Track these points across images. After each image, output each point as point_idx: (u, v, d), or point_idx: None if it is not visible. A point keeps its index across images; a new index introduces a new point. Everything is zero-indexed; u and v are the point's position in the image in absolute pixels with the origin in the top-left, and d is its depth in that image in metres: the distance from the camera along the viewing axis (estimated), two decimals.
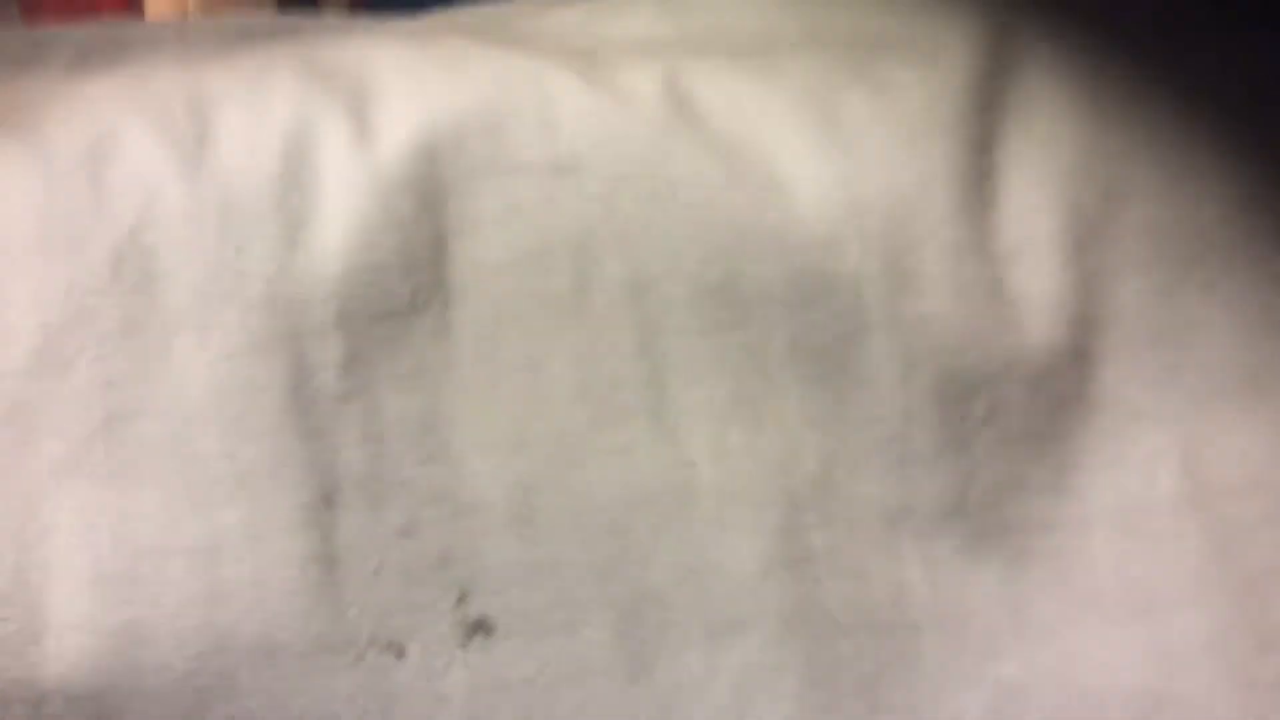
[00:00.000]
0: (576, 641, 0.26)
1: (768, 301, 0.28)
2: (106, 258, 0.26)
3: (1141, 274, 0.29)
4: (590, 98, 0.29)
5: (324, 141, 0.28)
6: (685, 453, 0.27)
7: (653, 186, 0.28)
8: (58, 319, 0.26)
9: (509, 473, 0.27)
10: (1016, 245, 0.28)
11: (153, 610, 0.25)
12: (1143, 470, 0.28)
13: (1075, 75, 0.30)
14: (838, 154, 0.28)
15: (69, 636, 0.24)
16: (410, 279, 0.27)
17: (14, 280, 0.26)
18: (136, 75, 0.30)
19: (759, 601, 0.27)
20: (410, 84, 0.29)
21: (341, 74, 0.30)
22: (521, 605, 0.26)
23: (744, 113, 0.29)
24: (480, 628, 0.26)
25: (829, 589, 0.27)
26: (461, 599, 0.26)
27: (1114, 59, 0.31)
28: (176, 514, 0.25)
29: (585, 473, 0.27)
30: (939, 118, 0.29)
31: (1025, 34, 0.31)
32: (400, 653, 0.25)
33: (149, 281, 0.26)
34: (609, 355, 0.27)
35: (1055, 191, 0.29)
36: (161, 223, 0.26)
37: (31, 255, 0.26)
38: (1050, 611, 0.27)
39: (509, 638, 0.26)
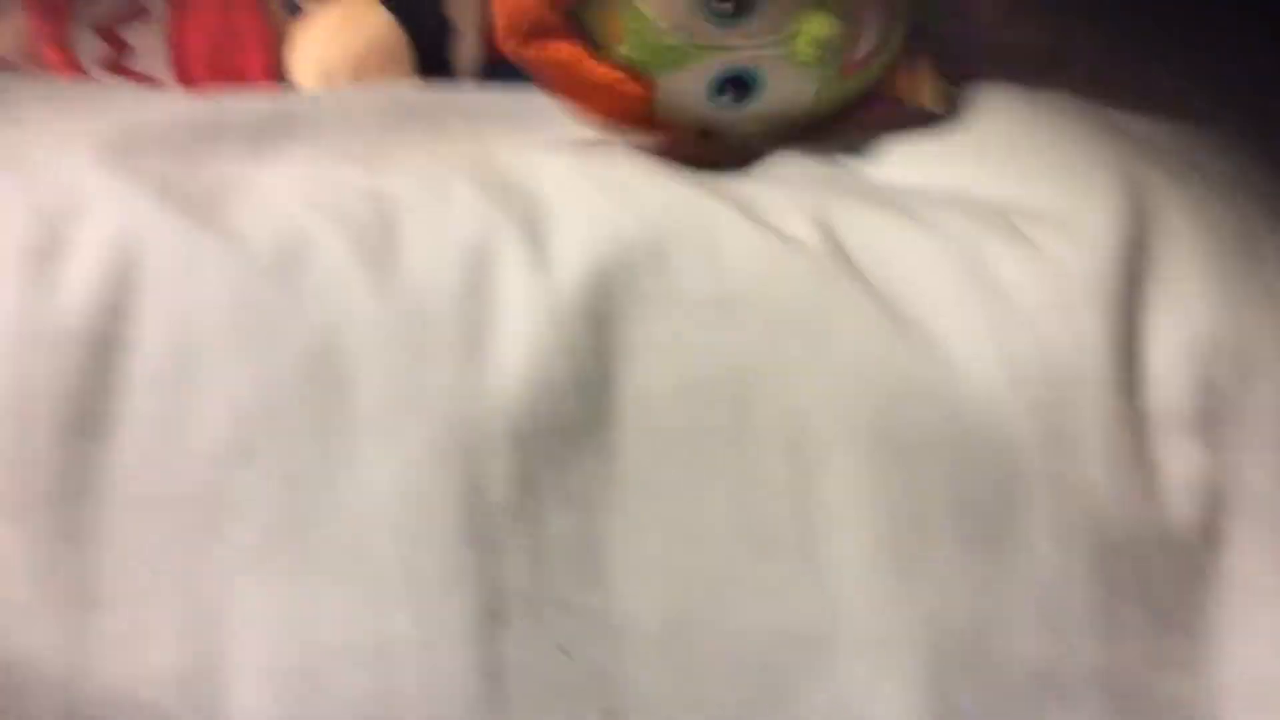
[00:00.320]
0: None
1: (929, 453, 0.27)
2: (298, 358, 0.26)
3: (1270, 454, 0.29)
4: (754, 236, 0.29)
5: (503, 262, 0.28)
6: (837, 593, 0.27)
7: (813, 328, 0.28)
8: (248, 412, 0.26)
9: (662, 601, 0.27)
10: (1160, 418, 0.29)
11: (328, 709, 0.25)
12: (1273, 647, 0.28)
13: (1209, 247, 0.31)
14: (994, 313, 0.29)
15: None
16: (581, 401, 0.27)
17: (208, 369, 0.26)
18: (315, 166, 0.32)
19: None
20: (583, 209, 0.30)
21: (516, 191, 0.30)
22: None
23: (898, 264, 0.29)
24: None
25: None
26: (609, 713, 0.26)
27: (1245, 233, 0.31)
28: (353, 615, 0.26)
29: (737, 609, 0.27)
30: (1089, 284, 0.29)
31: (1164, 206, 0.31)
32: None
33: (338, 385, 0.26)
34: (764, 491, 0.27)
35: (1194, 365, 0.29)
36: (353, 329, 0.27)
37: (226, 347, 0.26)
38: None
39: None
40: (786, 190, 0.32)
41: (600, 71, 0.34)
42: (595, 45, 0.34)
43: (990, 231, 0.30)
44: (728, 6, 0.34)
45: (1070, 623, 0.27)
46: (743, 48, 0.35)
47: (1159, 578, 0.28)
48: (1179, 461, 0.28)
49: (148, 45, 0.55)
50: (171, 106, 0.39)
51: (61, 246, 0.27)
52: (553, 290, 0.28)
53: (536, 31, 0.35)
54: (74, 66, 0.56)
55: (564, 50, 0.35)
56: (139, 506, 0.26)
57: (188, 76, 0.57)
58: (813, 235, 0.30)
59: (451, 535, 0.26)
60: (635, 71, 0.35)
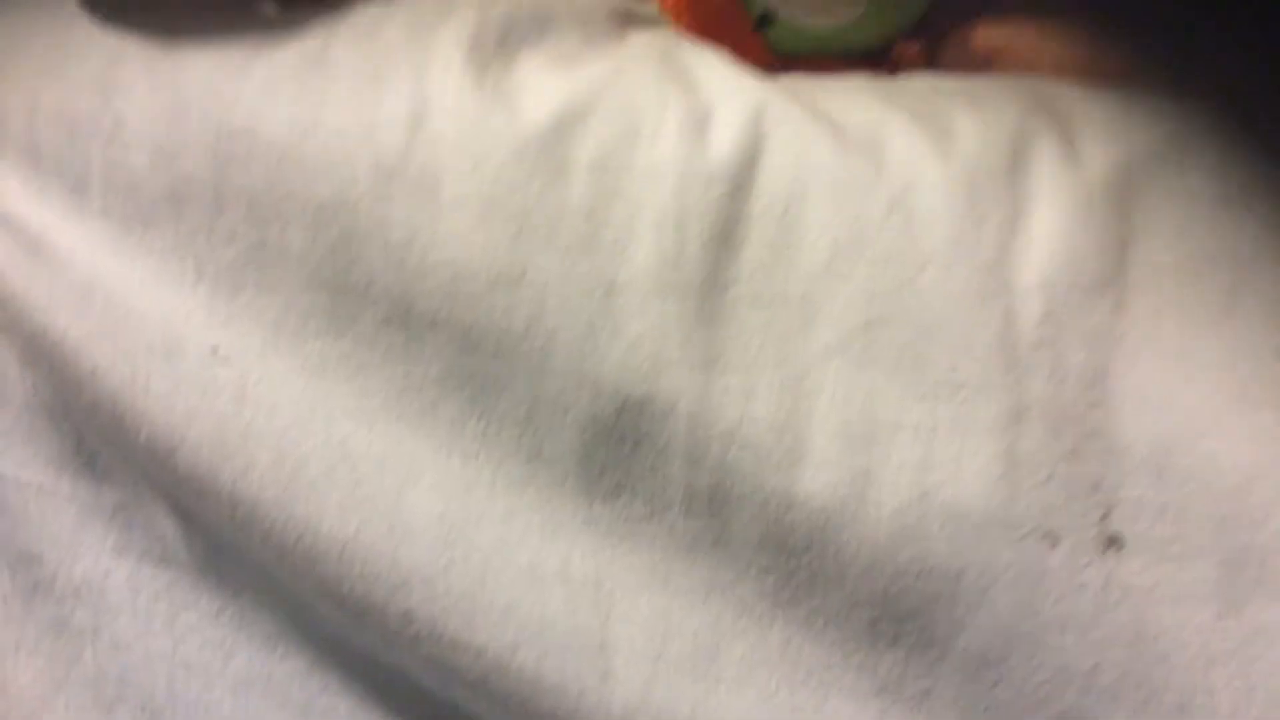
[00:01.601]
0: (1186, 573, 0.32)
1: None
2: (883, 203, 0.35)
3: None
4: (1261, 143, 0.35)
5: (1041, 150, 0.36)
6: None
7: None
8: (842, 241, 0.35)
9: (1154, 428, 0.33)
10: None
11: (881, 464, 0.33)
12: None
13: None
14: None
15: (821, 469, 0.34)
16: (1100, 263, 0.34)
17: (812, 210, 0.35)
18: (879, 80, 0.40)
19: None
20: (1105, 111, 0.37)
21: (1044, 99, 0.38)
22: (1149, 534, 0.33)
23: None
24: (1115, 542, 0.33)
25: None
26: (1104, 517, 0.33)
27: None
28: (907, 400, 0.34)
29: (1213, 443, 0.33)
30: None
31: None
32: (1054, 543, 0.33)
33: (910, 225, 0.35)
34: (1250, 353, 0.33)
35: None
36: (924, 189, 0.35)
37: (825, 195, 0.35)
38: None
39: (1135, 555, 0.33)
40: None
41: None
42: None
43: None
44: None
45: None
46: None
47: None
48: None
49: None
50: None
51: (710, 114, 0.36)
52: (1082, 178, 0.35)
53: None
54: None
55: None
56: (754, 303, 0.35)
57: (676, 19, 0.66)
58: None
59: (989, 354, 0.33)
60: None
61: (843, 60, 0.45)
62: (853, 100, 0.38)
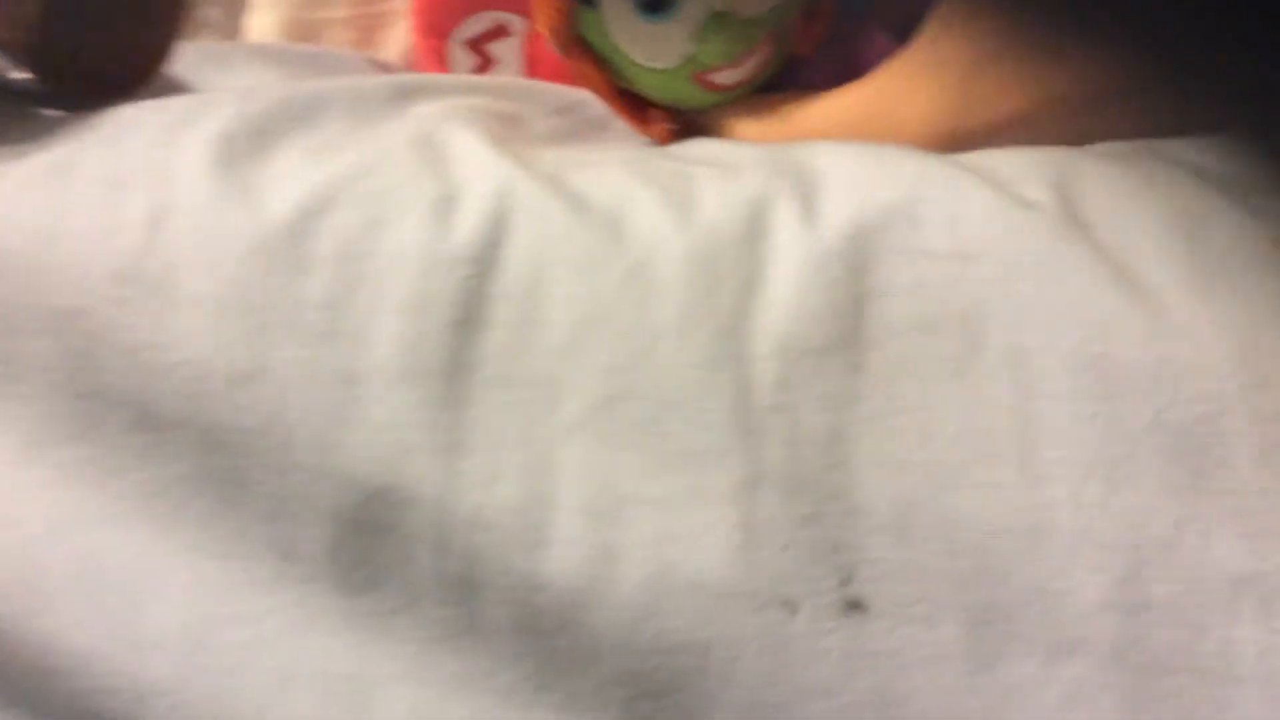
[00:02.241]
0: (933, 634, 0.32)
1: (1135, 379, 0.32)
2: (620, 277, 0.35)
3: None
4: (993, 200, 0.35)
5: (779, 215, 0.35)
6: (1046, 498, 0.32)
7: (1042, 274, 0.33)
8: (580, 316, 0.34)
9: (893, 488, 0.33)
10: None
11: (624, 540, 0.33)
12: None
13: None
14: (1206, 265, 0.33)
15: (567, 549, 0.33)
16: (835, 325, 0.34)
17: (551, 285, 0.35)
18: (636, 152, 0.41)
19: (1095, 631, 0.31)
20: (849, 174, 0.37)
21: (793, 163, 0.38)
22: (892, 595, 0.32)
23: (1123, 220, 0.34)
24: (857, 606, 0.32)
25: (1161, 633, 0.31)
26: (845, 581, 0.32)
27: None
28: (646, 474, 0.33)
29: (957, 498, 0.32)
30: None
31: None
32: (794, 610, 0.32)
33: (647, 298, 0.34)
34: (988, 408, 0.33)
35: None
36: (662, 260, 0.35)
37: (566, 270, 0.35)
38: None
39: (879, 618, 0.32)
40: (1029, 156, 0.37)
41: None
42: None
43: (1204, 190, 0.34)
44: None
45: (1271, 536, 0.31)
46: None
47: None
48: None
49: (508, 58, 0.67)
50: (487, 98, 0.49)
51: (456, 195, 0.36)
52: (818, 239, 0.35)
53: None
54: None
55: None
56: (498, 384, 0.34)
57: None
58: (1048, 195, 0.35)
59: (724, 422, 0.33)
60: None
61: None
62: (603, 175, 0.38)
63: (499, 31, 0.67)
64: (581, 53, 0.47)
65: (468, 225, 0.35)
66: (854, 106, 0.43)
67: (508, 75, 0.67)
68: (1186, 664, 0.31)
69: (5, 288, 0.35)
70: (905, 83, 0.42)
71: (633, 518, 0.33)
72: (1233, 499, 0.31)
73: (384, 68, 0.68)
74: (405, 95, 0.46)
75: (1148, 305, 0.32)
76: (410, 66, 0.74)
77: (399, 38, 0.75)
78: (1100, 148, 0.39)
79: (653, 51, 0.46)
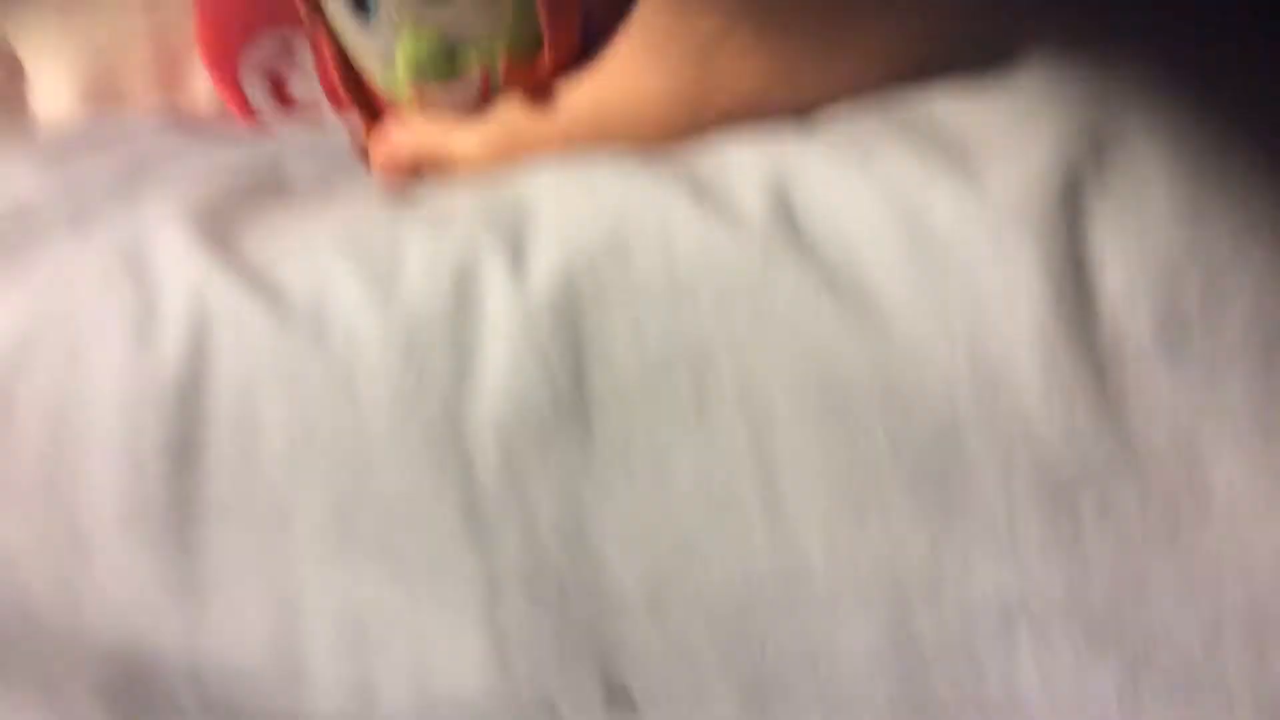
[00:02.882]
0: (706, 714, 0.30)
1: (865, 403, 0.29)
2: (325, 382, 0.32)
3: (1248, 367, 0.28)
4: (703, 222, 0.31)
5: (488, 274, 0.32)
6: (798, 543, 0.30)
7: (758, 303, 0.30)
8: (297, 431, 0.32)
9: (640, 564, 0.30)
10: (1115, 343, 0.28)
11: (380, 669, 0.31)
12: (1272, 570, 0.27)
13: (1171, 166, 0.29)
14: (926, 258, 0.29)
15: (325, 687, 0.31)
16: (552, 393, 0.31)
17: (262, 401, 0.32)
18: (351, 215, 0.37)
19: (870, 682, 0.29)
20: (557, 212, 0.33)
21: (510, 201, 0.34)
22: (658, 679, 0.30)
23: (840, 221, 0.31)
24: (622, 696, 0.30)
25: (938, 672, 0.29)
26: (605, 672, 0.30)
27: (1212, 145, 0.29)
28: (389, 592, 0.31)
29: (707, 562, 0.30)
30: (1028, 216, 0.29)
31: (1118, 126, 0.30)
32: (553, 712, 0.30)
33: (355, 401, 0.32)
34: (725, 454, 0.30)
35: (1154, 287, 0.28)
36: (364, 354, 0.32)
37: (274, 381, 0.32)
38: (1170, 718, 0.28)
39: (648, 709, 0.30)
40: (750, 147, 0.34)
41: None
42: None
43: (929, 167, 0.31)
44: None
45: (1028, 551, 0.28)
46: None
47: (1130, 507, 0.28)
48: (1142, 385, 0.28)
49: (300, 76, 0.63)
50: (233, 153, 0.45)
51: (155, 311, 0.34)
52: (526, 294, 0.32)
53: None
54: (247, 108, 0.65)
55: None
56: (226, 514, 0.32)
57: (336, 98, 0.64)
58: (763, 204, 0.31)
59: (452, 519, 0.31)
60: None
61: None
62: (297, 249, 0.35)
63: (285, 50, 0.63)
64: (326, 32, 0.43)
65: (169, 345, 0.33)
66: (588, 98, 0.39)
67: (304, 93, 0.63)
68: (971, 704, 0.29)
69: None
70: (639, 63, 0.38)
71: (383, 640, 0.31)
72: (983, 520, 0.28)
73: (184, 130, 0.65)
74: (132, 181, 0.42)
75: (868, 317, 0.29)
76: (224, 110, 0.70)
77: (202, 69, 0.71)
78: (827, 118, 0.35)
79: (363, 52, 0.42)
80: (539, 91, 0.39)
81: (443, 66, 0.40)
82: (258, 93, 0.63)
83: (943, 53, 0.35)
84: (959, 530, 0.28)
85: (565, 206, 0.33)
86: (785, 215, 0.31)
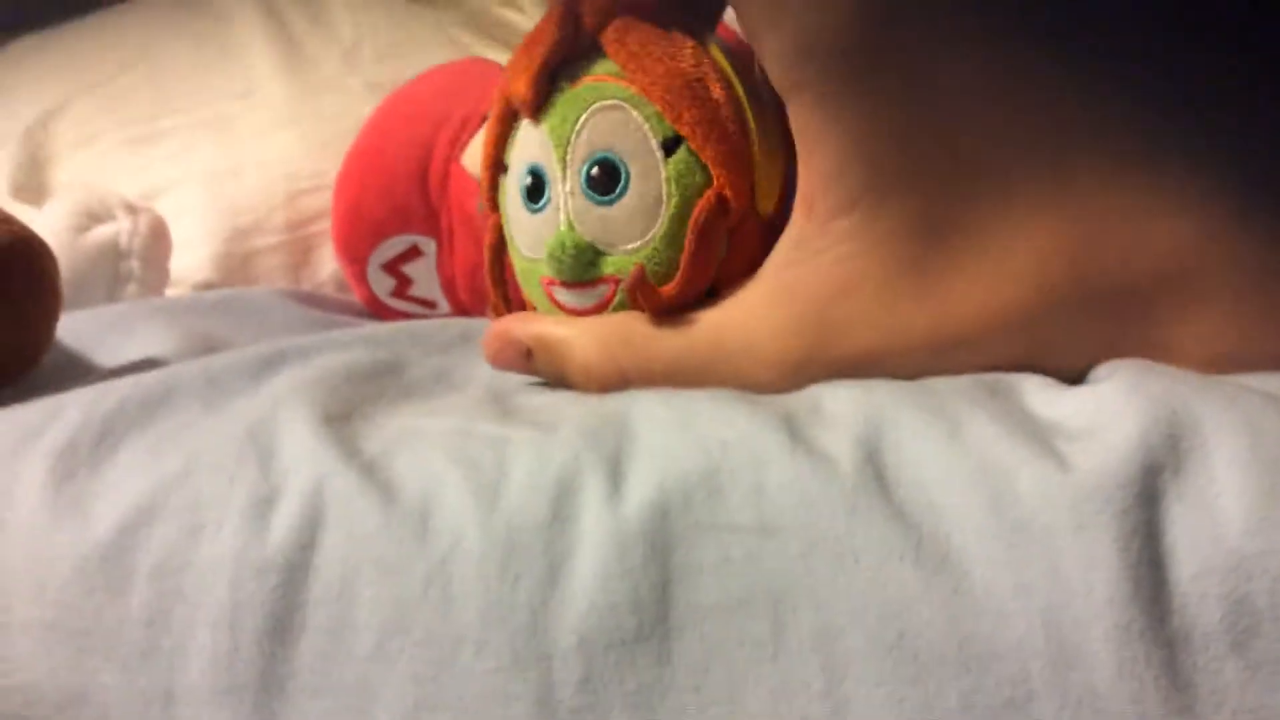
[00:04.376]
0: None
1: (940, 662, 0.30)
2: (422, 583, 0.34)
3: None
4: (795, 466, 0.34)
5: (585, 493, 0.35)
6: None
7: (841, 550, 0.32)
8: (388, 623, 0.34)
9: None
10: (1185, 628, 0.29)
11: None
12: None
13: (1247, 463, 0.31)
14: (1008, 526, 0.31)
15: None
16: (639, 614, 0.33)
17: (362, 590, 0.34)
18: (465, 415, 0.40)
19: None
20: (657, 440, 0.36)
21: (612, 424, 0.37)
22: None
23: (927, 483, 0.33)
24: None
25: None
26: None
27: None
28: None
29: None
30: (1108, 494, 0.31)
31: (1194, 422, 0.32)
32: None
33: (448, 600, 0.34)
34: (799, 693, 0.31)
35: (1222, 581, 0.30)
36: (462, 559, 0.34)
37: (371, 575, 0.34)
38: None
39: None
40: (846, 400, 0.36)
41: None
42: None
43: (1014, 441, 0.33)
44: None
45: None
46: None
47: None
48: (1210, 678, 0.29)
49: (423, 277, 0.68)
50: (361, 352, 0.49)
51: (274, 496, 0.36)
52: (620, 520, 0.34)
53: None
54: (372, 297, 0.70)
55: None
56: (313, 694, 0.34)
57: (456, 300, 0.69)
58: (854, 457, 0.34)
59: None
60: None
61: None
62: (411, 449, 0.37)
63: (412, 253, 0.69)
64: (493, 223, 0.46)
65: (281, 529, 0.35)
66: (708, 324, 0.42)
67: (425, 293, 0.68)
68: None
69: None
70: (763, 303, 0.41)
71: None
72: None
73: (305, 300, 0.70)
74: (265, 368, 0.46)
75: (948, 578, 0.31)
76: (341, 287, 0.76)
77: (332, 256, 0.77)
78: (932, 384, 0.38)
79: (522, 239, 0.45)
80: (657, 313, 0.42)
81: (579, 269, 0.43)
82: (383, 286, 0.68)
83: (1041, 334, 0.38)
84: None
85: (664, 436, 0.36)
86: (875, 471, 0.33)
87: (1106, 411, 0.33)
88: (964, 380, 0.38)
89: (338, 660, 0.34)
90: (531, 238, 0.44)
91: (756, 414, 0.36)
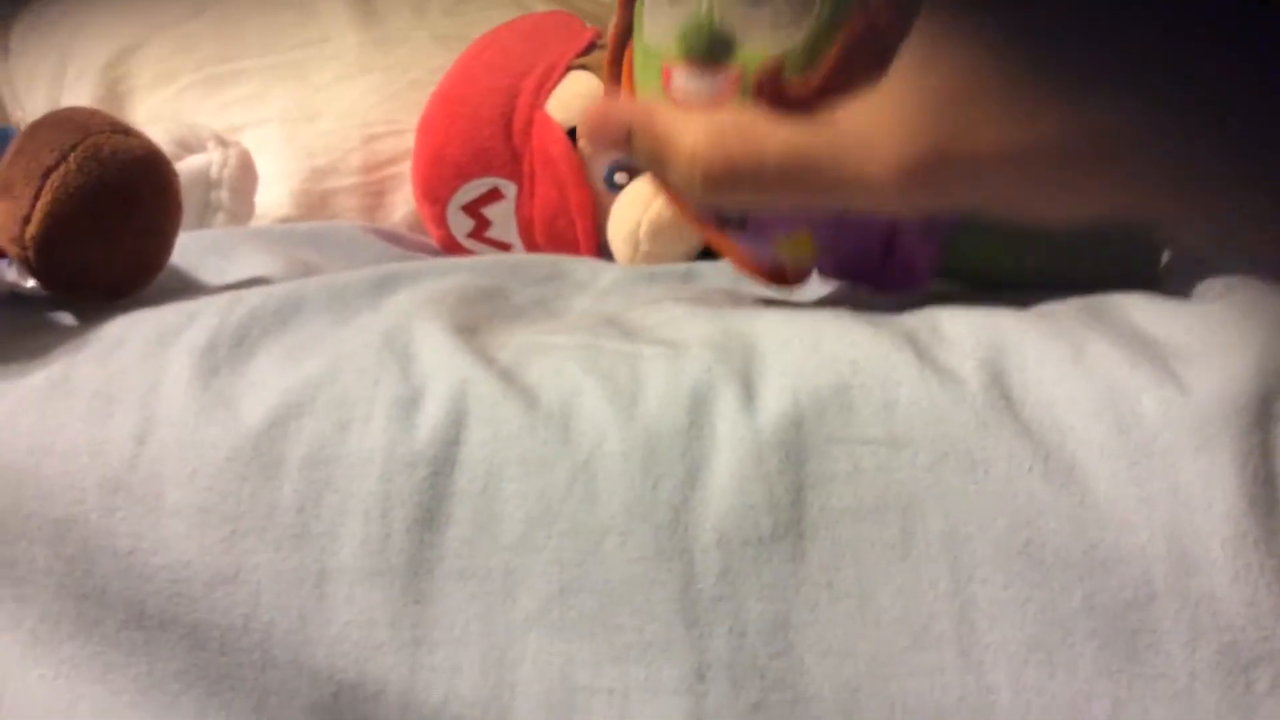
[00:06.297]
0: None
1: (1065, 565, 0.33)
2: (567, 477, 0.36)
3: None
4: (924, 384, 0.36)
5: (720, 403, 0.37)
6: (987, 681, 0.33)
7: (971, 462, 0.35)
8: (533, 514, 0.36)
9: (838, 675, 0.34)
10: None
11: None
12: None
13: None
14: (1132, 444, 0.34)
15: None
16: (775, 515, 0.35)
17: (507, 483, 0.37)
18: (588, 330, 0.43)
19: None
20: (787, 360, 0.38)
21: (738, 342, 0.39)
22: None
23: (1053, 402, 0.35)
24: None
25: None
26: None
27: None
28: (601, 665, 0.35)
29: (901, 684, 0.33)
30: (1228, 416, 0.33)
31: None
32: None
33: (592, 495, 0.36)
34: (927, 593, 0.34)
35: None
36: (605, 457, 0.36)
37: (518, 468, 0.37)
38: None
39: None
40: (966, 320, 0.39)
41: None
42: None
43: (1135, 363, 0.35)
44: None
45: (1204, 714, 0.31)
46: None
47: None
48: None
49: (502, 219, 0.70)
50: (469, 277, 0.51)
51: (419, 395, 0.39)
52: (757, 430, 0.36)
53: None
54: (448, 238, 0.72)
55: None
56: (458, 578, 0.36)
57: (531, 243, 0.71)
58: (980, 376, 0.36)
59: (671, 613, 0.34)
60: None
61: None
62: (558, 367, 0.39)
63: (493, 195, 0.70)
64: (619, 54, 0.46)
65: (427, 427, 0.37)
66: (828, 119, 0.42)
67: (501, 235, 0.70)
68: None
69: (5, 498, 0.38)
70: (884, 100, 0.41)
71: (588, 709, 0.34)
72: (1165, 683, 0.31)
73: (385, 236, 0.72)
74: (383, 286, 0.48)
75: (1073, 489, 0.33)
76: (414, 228, 0.78)
77: (406, 199, 0.79)
78: (1043, 309, 0.40)
79: (653, 25, 0.43)
80: (782, 107, 0.42)
81: (711, 47, 0.41)
82: (461, 228, 0.70)
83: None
84: (1142, 690, 0.31)
85: (794, 353, 0.38)
86: (1001, 390, 0.36)
87: (1221, 335, 0.36)
88: (1071, 304, 0.41)
89: (483, 548, 0.36)
90: (665, 22, 0.43)
91: (881, 334, 0.38)
